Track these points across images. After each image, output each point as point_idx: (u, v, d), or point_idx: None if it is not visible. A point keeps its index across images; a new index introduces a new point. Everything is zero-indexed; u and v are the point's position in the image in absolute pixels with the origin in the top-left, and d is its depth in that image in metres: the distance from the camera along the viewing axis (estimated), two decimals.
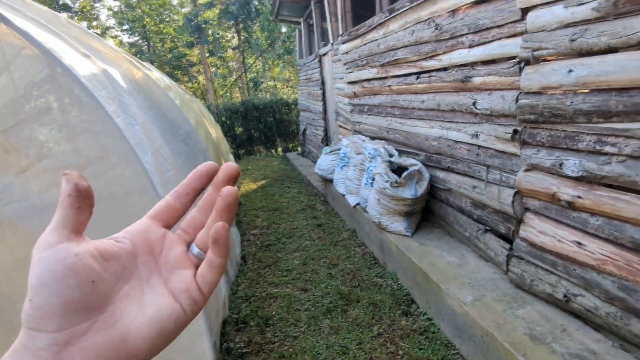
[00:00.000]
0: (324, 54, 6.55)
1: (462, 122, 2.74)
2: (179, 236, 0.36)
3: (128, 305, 0.30)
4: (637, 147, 1.55)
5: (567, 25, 1.76)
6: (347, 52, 4.88)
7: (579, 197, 1.82)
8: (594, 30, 1.64)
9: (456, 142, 2.83)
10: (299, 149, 10.02)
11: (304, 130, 8.85)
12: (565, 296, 1.92)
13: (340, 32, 5.17)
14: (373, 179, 3.23)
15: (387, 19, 3.58)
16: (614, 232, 1.68)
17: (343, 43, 4.97)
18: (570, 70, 1.75)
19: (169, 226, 0.36)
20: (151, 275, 0.33)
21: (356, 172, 3.86)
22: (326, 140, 7.12)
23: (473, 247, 2.71)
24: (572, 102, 1.77)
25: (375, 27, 3.89)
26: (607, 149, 1.67)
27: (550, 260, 2.01)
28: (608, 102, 1.61)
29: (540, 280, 2.06)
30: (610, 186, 1.70)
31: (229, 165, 0.36)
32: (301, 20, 8.41)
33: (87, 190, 0.30)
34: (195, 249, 0.36)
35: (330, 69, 6.10)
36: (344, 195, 4.14)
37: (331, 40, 5.78)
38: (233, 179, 0.36)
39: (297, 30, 9.41)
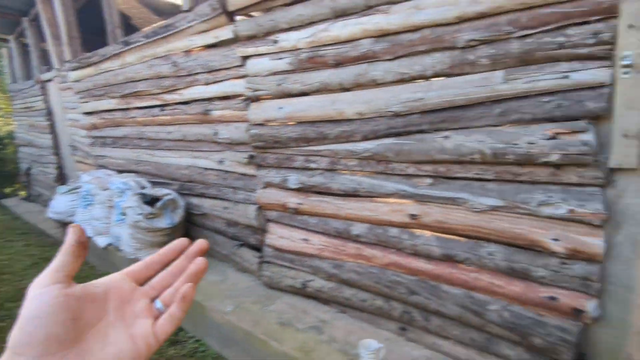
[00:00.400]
0: (49, 80, 5.62)
1: (208, 151, 2.99)
2: (146, 291, 0.44)
3: (94, 343, 0.37)
4: (327, 162, 2.17)
5: (275, 73, 2.28)
6: (78, 80, 4.39)
7: (301, 203, 2.35)
8: (290, 79, 2.20)
9: (205, 169, 3.06)
10: (23, 192, 8.04)
11: (28, 169, 7.21)
12: (302, 284, 2.41)
13: (68, 58, 4.60)
14: (124, 214, 3.05)
15: (122, 50, 3.49)
16: (324, 225, 2.26)
17: (73, 70, 4.45)
18: (281, 107, 2.27)
19: (139, 284, 0.44)
20: (117, 320, 0.39)
21: (104, 210, 3.51)
22: (61, 178, 6.06)
23: (232, 263, 2.97)
24: (285, 132, 2.28)
25: (110, 57, 3.71)
26: (312, 165, 2.25)
27: (289, 258, 2.48)
28: (306, 131, 2.18)
29: (284, 276, 2.50)
30: (318, 192, 2.29)
31: (202, 241, 0.48)
32: (11, 37, 6.90)
33: (86, 243, 0.37)
34: (158, 304, 0.43)
35: (59, 97, 5.29)
36: (91, 237, 3.67)
37: (56, 66, 5.04)
38: (203, 252, 0.48)
39: (5, 49, 7.63)
